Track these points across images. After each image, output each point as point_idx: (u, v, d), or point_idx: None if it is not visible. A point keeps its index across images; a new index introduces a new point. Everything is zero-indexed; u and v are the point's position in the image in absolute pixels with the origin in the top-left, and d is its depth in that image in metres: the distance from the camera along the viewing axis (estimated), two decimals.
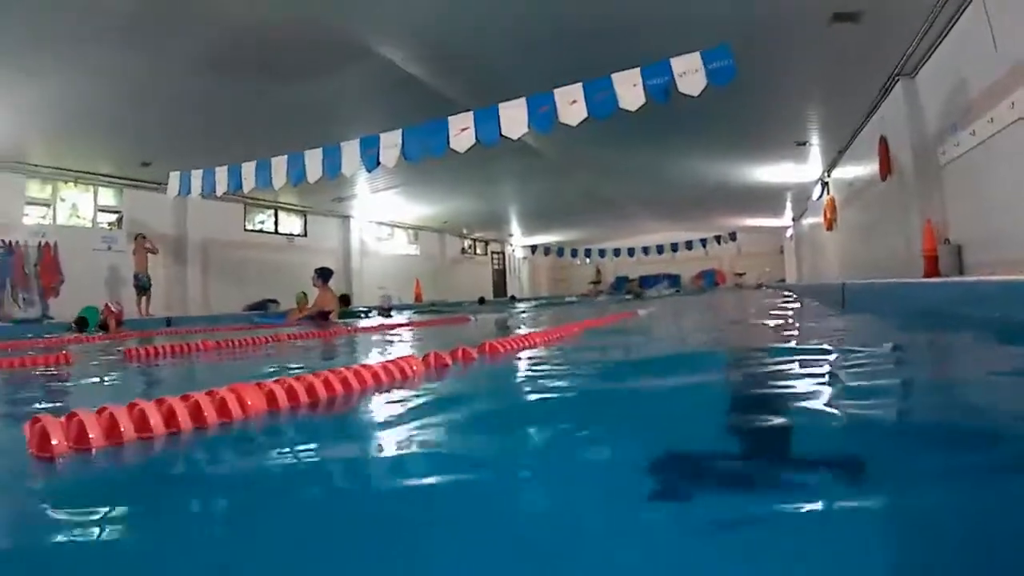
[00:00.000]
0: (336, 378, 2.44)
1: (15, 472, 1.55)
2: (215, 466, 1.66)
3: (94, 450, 1.61)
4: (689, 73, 7.39)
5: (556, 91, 8.08)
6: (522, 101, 8.32)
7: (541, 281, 40.03)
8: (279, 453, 1.69)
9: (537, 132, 8.48)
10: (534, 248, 34.22)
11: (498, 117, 8.48)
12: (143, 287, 15.47)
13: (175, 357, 5.52)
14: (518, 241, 35.81)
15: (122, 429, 1.68)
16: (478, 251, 34.44)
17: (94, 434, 1.62)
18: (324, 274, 12.64)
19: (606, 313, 10.32)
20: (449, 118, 8.87)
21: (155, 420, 1.74)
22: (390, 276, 24.66)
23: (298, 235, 22.62)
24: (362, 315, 15.58)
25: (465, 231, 31.16)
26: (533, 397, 2.53)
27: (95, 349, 7.16)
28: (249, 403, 2.01)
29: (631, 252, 31.14)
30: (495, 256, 35.91)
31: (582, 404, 2.42)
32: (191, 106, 12.12)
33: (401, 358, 2.99)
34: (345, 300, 15.72)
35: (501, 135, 8.52)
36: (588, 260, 34.04)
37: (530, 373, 3.26)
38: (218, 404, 1.95)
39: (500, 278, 35.82)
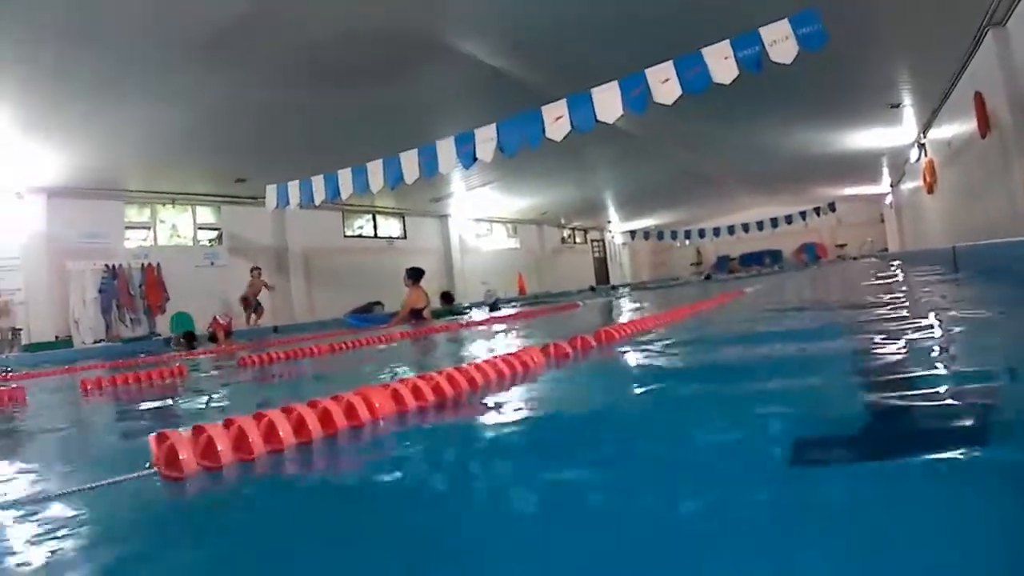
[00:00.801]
0: (461, 375, 2.41)
1: (143, 489, 1.52)
2: (348, 474, 1.63)
3: (223, 464, 1.59)
4: (780, 41, 7.29)
5: (648, 71, 8.01)
6: (614, 84, 8.26)
7: (642, 266, 39.70)
8: (415, 457, 1.68)
9: (632, 113, 8.36)
10: (633, 233, 33.79)
11: (592, 102, 8.44)
12: (254, 308, 16.07)
13: (289, 362, 5.68)
14: (616, 227, 35.64)
15: (251, 440, 1.65)
16: (578, 240, 34.48)
17: (222, 446, 1.60)
18: (413, 274, 12.61)
19: (712, 295, 10.13)
20: (543, 107, 8.85)
21: (284, 430, 1.72)
22: (492, 271, 24.84)
23: (397, 237, 23.06)
24: (468, 311, 15.66)
25: (563, 221, 31.17)
26: (655, 383, 2.50)
27: (208, 361, 7.35)
28: (377, 405, 1.99)
29: (731, 230, 30.45)
30: (595, 244, 35.88)
31: (710, 384, 2.42)
32: (280, 119, 12.47)
33: (522, 350, 2.99)
34: (448, 297, 15.90)
35: (596, 120, 8.48)
36: (688, 241, 33.50)
37: (649, 358, 3.23)
38: (346, 408, 1.92)
39: (601, 266, 35.75)
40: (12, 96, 10.46)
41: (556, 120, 8.68)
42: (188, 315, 14.40)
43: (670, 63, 7.93)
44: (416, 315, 12.22)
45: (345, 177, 11.18)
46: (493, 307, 15.40)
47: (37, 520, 1.35)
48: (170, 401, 3.92)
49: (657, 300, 11.15)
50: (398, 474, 1.51)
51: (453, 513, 1.20)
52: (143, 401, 3.96)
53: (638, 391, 2.40)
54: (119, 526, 1.36)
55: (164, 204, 16.96)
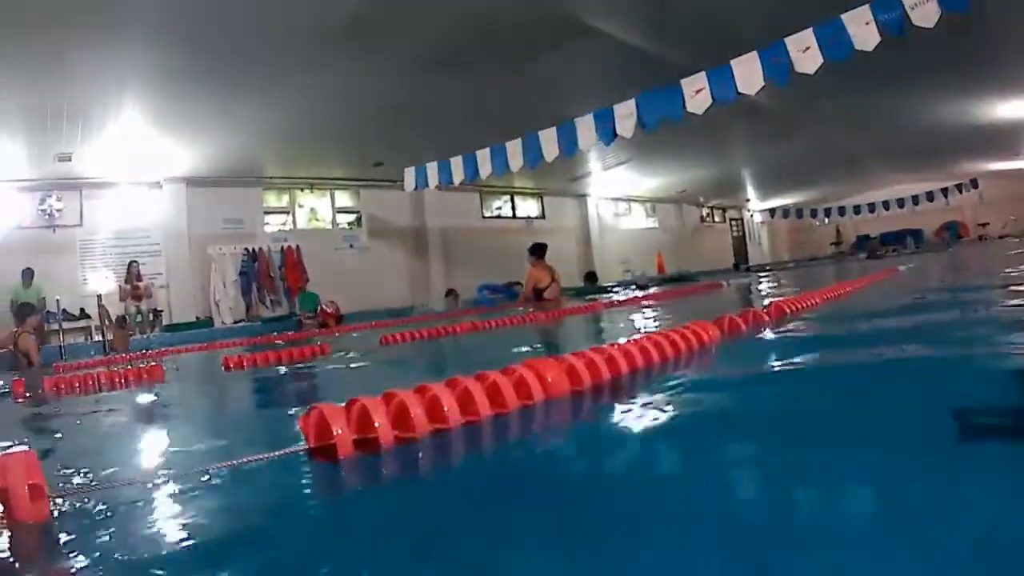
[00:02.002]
0: (635, 348, 2.36)
1: (297, 464, 1.53)
2: (522, 453, 1.61)
3: (382, 441, 1.53)
4: (921, 3, 7.11)
5: (787, 40, 7.93)
6: (753, 55, 8.24)
7: (781, 245, 38.97)
8: (604, 432, 1.65)
9: (774, 84, 8.26)
10: (772, 211, 33.14)
11: (732, 74, 8.39)
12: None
13: (430, 341, 5.72)
14: (755, 206, 34.98)
15: (413, 416, 1.59)
16: (716, 219, 34.00)
17: (380, 422, 1.54)
18: (534, 249, 12.15)
19: (867, 272, 10.02)
20: (682, 81, 8.80)
21: (448, 403, 1.66)
22: (631, 250, 24.84)
23: (536, 217, 23.24)
24: (614, 290, 15.56)
25: (702, 199, 30.83)
26: (841, 354, 2.57)
27: (351, 340, 7.46)
28: (549, 380, 1.91)
29: (871, 208, 29.43)
30: (733, 223, 35.35)
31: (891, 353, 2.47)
32: (416, 102, 12.73)
33: (695, 323, 2.95)
34: (592, 277, 15.93)
35: (737, 92, 8.42)
36: (827, 220, 32.52)
37: (828, 330, 3.35)
38: (516, 382, 1.86)
39: (740, 245, 35.23)
40: (150, 94, 11.16)
41: (696, 93, 8.66)
42: (315, 294, 14.96)
43: (810, 31, 7.85)
44: (538, 295, 11.76)
45: (484, 157, 11.40)
46: (640, 286, 15.26)
47: (200, 493, 1.40)
48: (320, 377, 4.13)
49: (809, 278, 11.02)
50: (579, 454, 1.51)
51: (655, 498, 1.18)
52: (293, 377, 4.22)
53: (827, 362, 2.45)
54: (278, 500, 1.39)
55: (302, 189, 17.74)
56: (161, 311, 14.97)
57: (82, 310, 14.02)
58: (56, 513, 1.24)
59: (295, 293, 16.50)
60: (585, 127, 10.04)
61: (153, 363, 5.11)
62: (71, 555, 1.09)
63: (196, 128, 12.97)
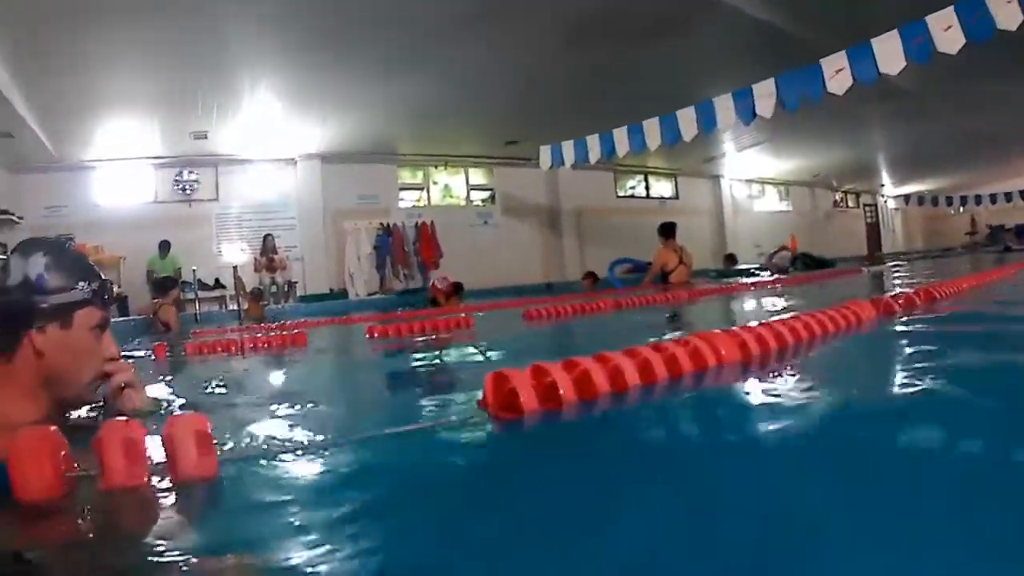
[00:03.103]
0: (800, 325, 2.34)
1: (474, 428, 1.53)
2: (702, 428, 1.54)
3: (564, 407, 1.49)
4: None
5: (928, 18, 7.81)
6: (894, 34, 8.16)
7: (914, 233, 37.79)
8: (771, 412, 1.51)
9: (915, 64, 8.15)
10: (907, 198, 32.28)
11: (873, 54, 8.30)
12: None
13: (574, 317, 5.56)
14: (889, 191, 34.09)
15: (596, 384, 1.57)
16: (850, 204, 33.26)
17: (564, 390, 1.51)
18: (662, 229, 11.01)
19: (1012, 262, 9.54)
20: (821, 61, 8.79)
21: (630, 373, 1.64)
22: (763, 234, 24.32)
23: (669, 198, 23.15)
24: (753, 273, 15.03)
25: (835, 184, 30.20)
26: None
27: (493, 315, 7.34)
28: (723, 352, 1.91)
29: (1008, 197, 27.93)
30: (867, 209, 34.11)
31: None
32: (549, 81, 12.81)
33: (851, 303, 2.89)
34: (732, 259, 15.90)
35: (879, 73, 8.34)
36: (962, 208, 31.04)
37: (986, 314, 3.33)
38: (691, 353, 1.85)
39: (873, 231, 33.91)
40: (283, 75, 11.76)
41: (837, 73, 8.66)
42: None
43: (951, 9, 7.74)
44: (664, 277, 10.83)
45: (621, 136, 11.58)
46: (782, 270, 14.86)
47: (366, 458, 1.42)
48: (466, 347, 4.08)
49: (948, 268, 10.50)
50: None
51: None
52: (436, 347, 4.19)
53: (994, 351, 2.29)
54: (451, 467, 1.39)
55: (436, 167, 18.27)
56: (295, 282, 15.67)
57: (217, 280, 14.82)
58: (223, 474, 1.25)
59: (428, 267, 16.99)
60: (724, 106, 10.09)
61: (297, 330, 5.18)
62: (241, 514, 1.14)
63: (330, 107, 13.47)
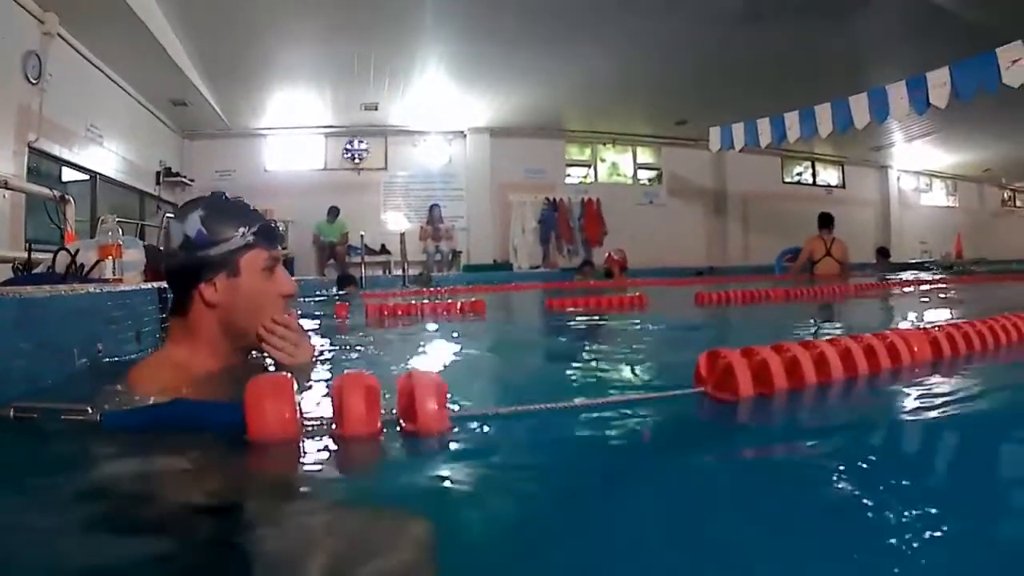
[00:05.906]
0: (998, 326, 2.24)
1: (690, 403, 1.54)
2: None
3: (776, 390, 1.51)
4: None
5: None
6: None
7: None
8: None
9: None
10: None
11: None
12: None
13: (744, 303, 5.50)
14: None
15: (804, 371, 1.59)
16: (1018, 203, 31.20)
17: (777, 373, 1.53)
18: (818, 220, 10.93)
19: None
20: (997, 50, 8.45)
21: (834, 363, 1.65)
22: (928, 229, 23.89)
23: (836, 186, 22.62)
24: (925, 268, 14.80)
25: (1004, 180, 28.44)
26: None
27: (663, 296, 7.29)
28: (916, 349, 1.89)
29: None
30: None
31: None
32: (721, 61, 12.72)
33: None
34: (884, 253, 15.70)
35: None
36: None
37: None
38: (887, 347, 1.83)
39: None
40: (453, 49, 12.18)
41: (1013, 63, 8.39)
42: None
43: None
44: (811, 267, 10.70)
45: (792, 120, 11.58)
46: (948, 268, 14.62)
47: (583, 427, 1.44)
48: (651, 326, 4.05)
49: None
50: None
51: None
52: (618, 324, 4.20)
53: None
54: (667, 436, 1.43)
55: (604, 144, 18.47)
56: (460, 252, 16.41)
57: (383, 246, 15.50)
58: (455, 428, 1.29)
59: (593, 244, 17.36)
60: (897, 94, 9.92)
61: (475, 298, 5.08)
62: (469, 467, 1.17)
63: (499, 82, 13.88)
